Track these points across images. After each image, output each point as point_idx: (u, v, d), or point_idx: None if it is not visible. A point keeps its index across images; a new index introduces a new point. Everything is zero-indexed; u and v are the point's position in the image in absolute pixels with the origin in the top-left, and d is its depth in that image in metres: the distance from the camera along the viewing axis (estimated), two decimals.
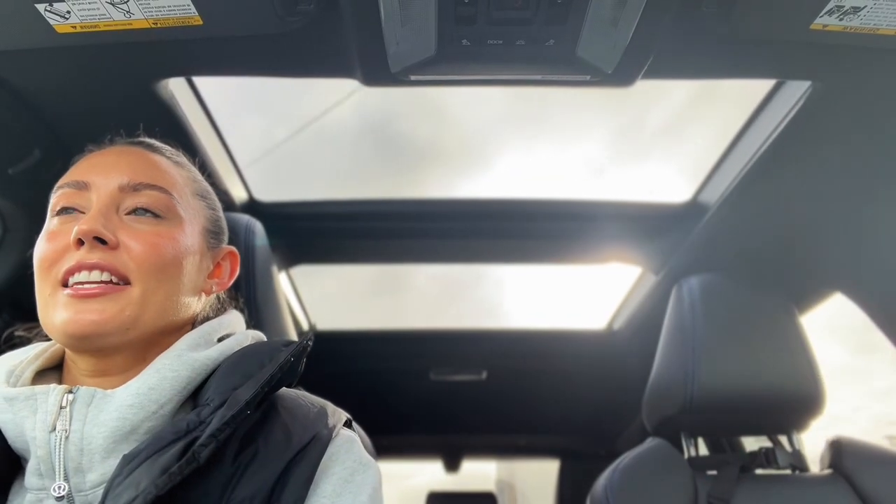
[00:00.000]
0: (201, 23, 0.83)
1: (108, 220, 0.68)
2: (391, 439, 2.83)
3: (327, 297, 2.26)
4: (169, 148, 0.82)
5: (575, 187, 1.69)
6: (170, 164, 0.78)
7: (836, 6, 0.81)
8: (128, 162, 0.74)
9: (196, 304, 0.75)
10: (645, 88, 0.98)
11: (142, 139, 0.81)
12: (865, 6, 0.81)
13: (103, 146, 0.79)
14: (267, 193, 1.61)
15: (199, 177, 0.83)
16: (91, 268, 0.65)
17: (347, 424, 0.74)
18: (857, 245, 1.36)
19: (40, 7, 0.79)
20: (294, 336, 1.18)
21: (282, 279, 1.88)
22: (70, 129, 1.07)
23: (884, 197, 1.25)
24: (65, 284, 0.65)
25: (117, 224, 0.69)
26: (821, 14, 0.83)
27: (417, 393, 2.61)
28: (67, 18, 0.81)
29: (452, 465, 3.15)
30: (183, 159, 0.82)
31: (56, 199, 0.72)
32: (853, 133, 1.12)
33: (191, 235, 0.74)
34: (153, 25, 0.83)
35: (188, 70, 1.05)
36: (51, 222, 0.71)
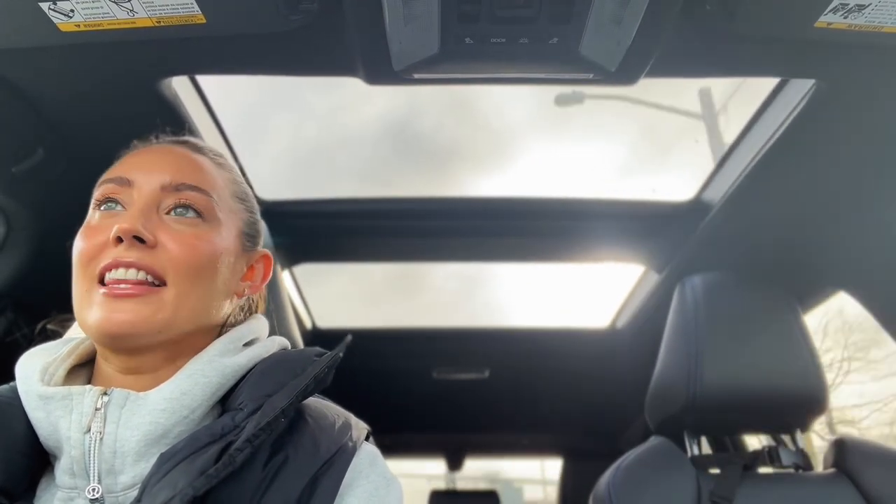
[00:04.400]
0: (204, 21, 0.83)
1: (147, 220, 0.68)
2: (393, 438, 2.83)
3: (330, 296, 2.27)
4: (212, 149, 0.82)
5: (582, 185, 1.70)
6: (212, 165, 0.78)
7: (841, 4, 0.81)
8: (171, 161, 0.74)
9: (227, 307, 0.76)
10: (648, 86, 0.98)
11: (186, 139, 0.81)
12: (870, 4, 0.81)
13: (148, 143, 0.79)
14: (270, 191, 1.61)
15: (240, 179, 0.83)
16: (128, 266, 0.65)
17: (366, 437, 0.74)
18: (860, 244, 1.36)
19: (44, 5, 0.79)
20: (297, 335, 1.18)
21: (285, 277, 1.89)
22: (73, 128, 1.08)
23: (888, 195, 1.24)
24: (101, 281, 0.66)
25: (157, 223, 0.69)
26: (825, 12, 0.82)
27: (420, 391, 2.61)
28: (71, 17, 0.81)
29: (455, 463, 3.15)
30: (225, 161, 0.82)
31: (99, 192, 0.72)
32: (857, 131, 1.12)
33: (227, 238, 0.74)
34: (156, 24, 0.83)
35: (191, 68, 1.05)
36: (92, 216, 0.72)
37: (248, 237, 0.79)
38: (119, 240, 0.66)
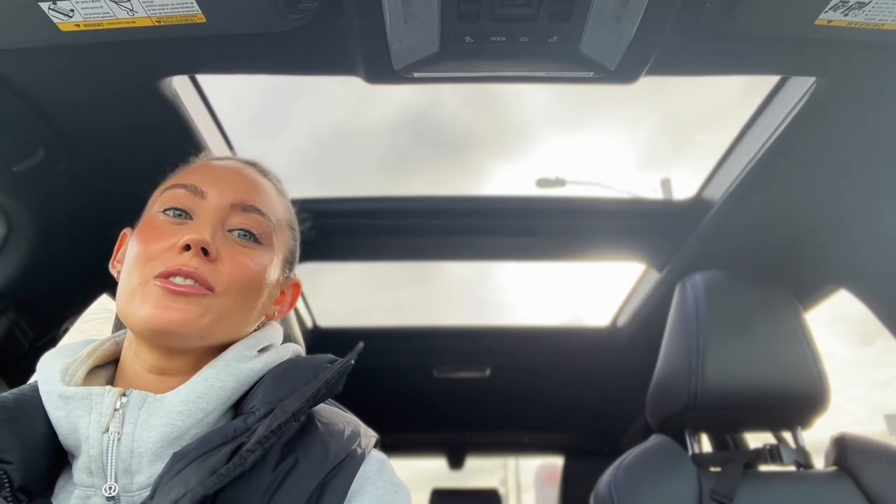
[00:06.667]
0: (204, 20, 0.83)
1: (215, 234, 0.71)
2: (395, 437, 2.83)
3: (331, 295, 2.27)
4: (275, 174, 0.86)
5: (584, 185, 1.70)
6: (275, 191, 0.82)
7: (841, 1, 0.81)
8: (242, 181, 0.78)
9: (256, 325, 0.79)
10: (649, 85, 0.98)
11: (255, 161, 0.85)
12: (870, 1, 0.80)
13: (220, 158, 0.83)
14: None
15: (291, 206, 0.87)
16: (187, 275, 0.67)
17: (375, 445, 0.76)
18: (861, 241, 1.36)
19: (44, 5, 0.79)
20: (298, 334, 1.18)
21: None
22: (73, 128, 1.08)
23: (889, 193, 1.24)
24: (158, 279, 0.68)
25: (221, 239, 0.72)
26: (825, 9, 0.82)
27: (421, 390, 2.61)
28: (71, 16, 0.81)
29: (456, 462, 3.15)
30: (284, 188, 0.86)
31: (168, 195, 0.75)
32: (858, 128, 1.12)
33: (276, 264, 0.78)
34: (156, 23, 0.83)
35: (191, 68, 1.05)
36: (157, 217, 0.74)
37: (289, 265, 0.83)
38: (187, 247, 0.68)
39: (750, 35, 0.90)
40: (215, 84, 1.20)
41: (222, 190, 0.75)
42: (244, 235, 0.74)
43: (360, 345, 0.74)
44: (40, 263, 1.21)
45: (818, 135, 1.14)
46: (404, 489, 0.71)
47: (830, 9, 0.82)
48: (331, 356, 0.76)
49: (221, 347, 0.72)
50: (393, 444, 2.70)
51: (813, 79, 1.05)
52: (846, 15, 0.83)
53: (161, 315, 0.66)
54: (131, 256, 0.71)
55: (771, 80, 1.20)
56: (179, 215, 0.73)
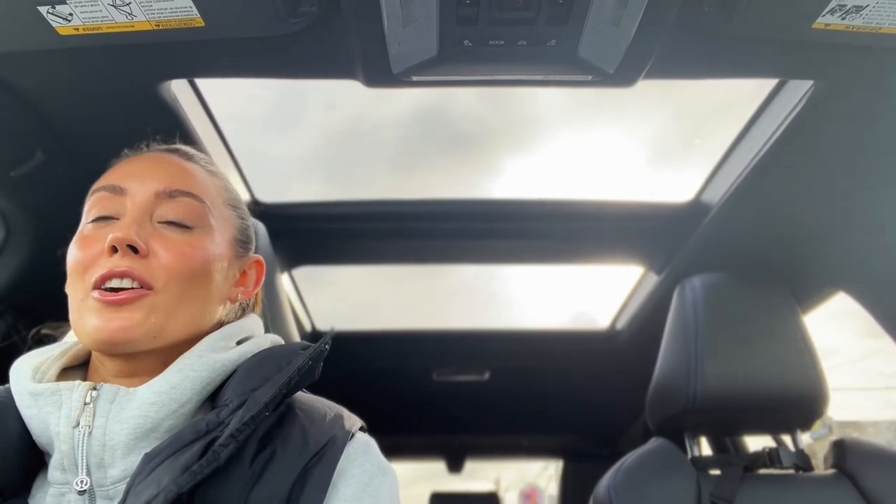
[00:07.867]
0: (203, 24, 0.83)
1: (141, 228, 0.69)
2: (394, 440, 2.83)
3: (330, 298, 2.26)
4: (203, 156, 0.83)
5: (585, 187, 1.69)
6: (204, 172, 0.79)
7: (839, 5, 0.81)
8: (164, 169, 0.75)
9: (221, 312, 0.76)
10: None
11: (177, 147, 0.83)
12: (868, 5, 0.81)
13: (140, 152, 0.80)
14: (269, 194, 1.61)
15: (231, 186, 0.84)
16: (121, 275, 0.66)
17: (361, 430, 0.74)
18: (860, 244, 1.36)
19: (42, 9, 0.79)
20: (297, 337, 1.18)
21: (284, 280, 1.89)
22: (72, 132, 1.08)
23: (886, 195, 1.24)
24: (96, 289, 0.66)
25: (150, 232, 0.70)
26: (823, 13, 0.82)
27: (420, 394, 2.61)
28: (69, 20, 0.81)
29: (455, 465, 3.15)
30: (216, 168, 0.83)
31: (92, 202, 0.73)
32: (856, 132, 1.12)
33: (220, 244, 0.75)
34: (155, 27, 0.83)
35: (190, 72, 1.05)
36: (85, 227, 0.72)
37: (241, 244, 0.80)
38: (114, 249, 0.67)
39: (747, 38, 0.90)
40: (223, 83, 1.20)
41: (143, 182, 0.72)
42: (174, 223, 0.71)
43: (333, 328, 0.73)
44: (38, 268, 1.20)
45: (816, 138, 1.14)
46: (392, 472, 0.70)
47: (828, 12, 0.82)
48: (305, 343, 0.74)
49: (191, 340, 0.71)
50: (392, 447, 2.69)
51: (811, 82, 1.05)
52: (844, 19, 0.83)
53: (105, 326, 0.64)
54: (69, 269, 0.70)
55: (769, 84, 1.21)
56: (105, 218, 0.71)
